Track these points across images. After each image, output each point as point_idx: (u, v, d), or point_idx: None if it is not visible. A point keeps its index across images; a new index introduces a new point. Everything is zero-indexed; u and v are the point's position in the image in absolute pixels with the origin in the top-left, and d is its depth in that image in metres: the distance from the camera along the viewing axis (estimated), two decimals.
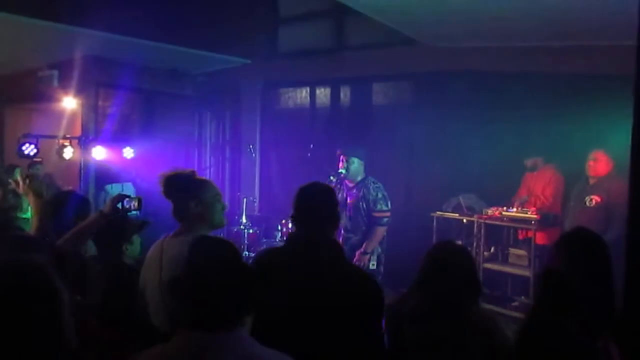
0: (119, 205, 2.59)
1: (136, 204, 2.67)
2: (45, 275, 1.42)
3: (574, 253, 2.10)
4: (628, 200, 1.68)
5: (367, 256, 4.56)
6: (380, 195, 4.62)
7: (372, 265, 4.60)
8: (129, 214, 2.73)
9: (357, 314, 2.07)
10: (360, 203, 4.62)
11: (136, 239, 2.88)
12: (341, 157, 4.67)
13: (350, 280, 2.15)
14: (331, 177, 4.60)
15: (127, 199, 2.64)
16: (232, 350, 1.41)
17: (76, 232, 2.59)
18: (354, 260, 4.47)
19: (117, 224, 2.74)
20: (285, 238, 5.60)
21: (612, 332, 1.95)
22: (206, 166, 7.55)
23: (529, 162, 5.35)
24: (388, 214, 4.63)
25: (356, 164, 4.65)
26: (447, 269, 2.15)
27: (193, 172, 2.50)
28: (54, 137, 5.51)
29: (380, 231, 4.59)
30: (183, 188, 2.43)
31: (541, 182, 5.31)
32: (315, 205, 2.27)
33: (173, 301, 1.53)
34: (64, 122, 6.43)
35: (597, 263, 2.11)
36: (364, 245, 4.55)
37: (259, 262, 2.32)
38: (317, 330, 2.04)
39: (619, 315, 1.90)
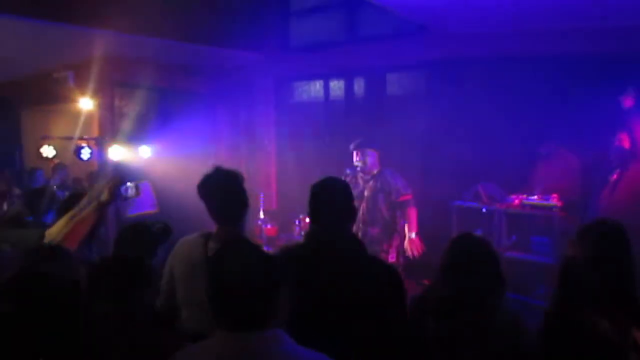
0: (118, 192, 2.55)
1: (134, 190, 2.63)
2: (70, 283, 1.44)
3: (595, 244, 2.04)
4: None
5: (416, 237, 4.56)
6: (400, 184, 4.63)
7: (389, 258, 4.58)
8: (126, 200, 2.67)
9: (382, 306, 2.06)
10: (379, 195, 4.60)
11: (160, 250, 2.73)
12: (355, 151, 4.65)
13: (372, 273, 2.13)
14: (347, 171, 4.59)
15: (124, 185, 2.59)
16: (272, 348, 1.45)
17: (75, 227, 2.55)
18: (406, 247, 4.52)
19: (139, 237, 2.62)
20: (303, 233, 5.62)
21: (638, 320, 1.89)
22: (222, 162, 7.55)
23: (543, 149, 5.27)
24: (410, 197, 4.64)
25: (371, 157, 4.62)
26: (471, 264, 2.10)
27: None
28: (71, 138, 5.56)
29: (414, 211, 4.62)
30: (243, 190, 2.37)
31: (558, 168, 5.22)
32: (331, 200, 2.23)
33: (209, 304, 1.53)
34: (81, 123, 6.49)
35: (619, 254, 2.04)
36: (410, 231, 4.56)
37: (280, 260, 2.25)
38: (342, 325, 2.03)
39: None
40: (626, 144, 4.66)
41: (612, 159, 4.77)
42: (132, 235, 2.68)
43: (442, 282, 2.16)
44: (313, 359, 1.52)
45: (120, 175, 2.63)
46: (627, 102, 4.44)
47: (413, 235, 4.57)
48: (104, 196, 2.57)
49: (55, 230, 2.72)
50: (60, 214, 2.84)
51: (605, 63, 4.88)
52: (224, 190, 2.34)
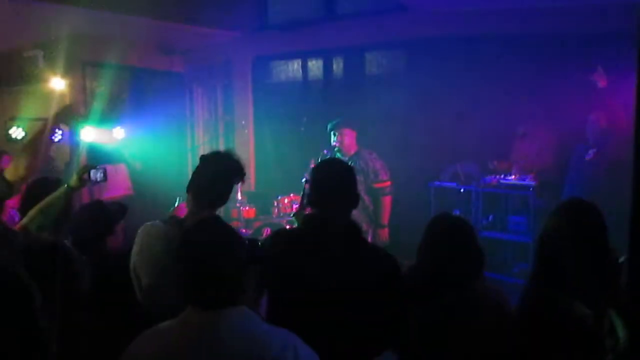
0: (87, 177, 2.55)
1: (102, 174, 2.64)
2: (14, 275, 1.41)
3: (568, 223, 2.04)
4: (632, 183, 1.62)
5: (385, 229, 4.55)
6: (378, 166, 4.59)
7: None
8: (95, 184, 2.70)
9: (378, 295, 2.00)
10: (358, 176, 4.55)
11: (117, 228, 2.80)
12: (333, 131, 4.61)
13: (370, 261, 2.06)
14: (325, 152, 4.55)
15: (93, 170, 2.60)
16: (236, 324, 1.50)
17: (42, 209, 2.52)
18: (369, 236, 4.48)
19: (96, 215, 2.70)
20: (282, 214, 5.59)
21: (614, 303, 1.90)
22: (199, 143, 7.45)
23: (520, 129, 5.30)
24: (389, 183, 4.62)
25: (348, 137, 4.59)
26: (450, 243, 2.08)
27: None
28: (42, 119, 5.40)
29: (388, 200, 4.59)
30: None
31: (534, 148, 5.27)
32: (335, 185, 2.12)
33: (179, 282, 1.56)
34: (53, 104, 6.30)
35: (592, 233, 2.04)
36: (380, 219, 4.55)
37: (274, 244, 2.19)
38: (335, 312, 1.97)
39: (623, 286, 1.86)
40: (602, 123, 4.70)
41: (588, 138, 4.82)
42: (88, 215, 2.72)
43: (422, 264, 2.14)
44: (277, 334, 1.54)
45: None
46: (602, 81, 4.46)
47: (384, 225, 4.56)
48: (73, 181, 2.53)
49: (26, 221, 2.65)
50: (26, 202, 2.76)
51: (580, 42, 4.89)
52: (216, 172, 2.28)
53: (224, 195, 2.32)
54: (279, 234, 2.29)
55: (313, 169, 2.23)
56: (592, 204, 2.12)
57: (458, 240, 2.08)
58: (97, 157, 6.04)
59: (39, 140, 2.81)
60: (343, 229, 2.07)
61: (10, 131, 4.94)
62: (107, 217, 2.78)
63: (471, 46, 5.37)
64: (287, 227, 4.77)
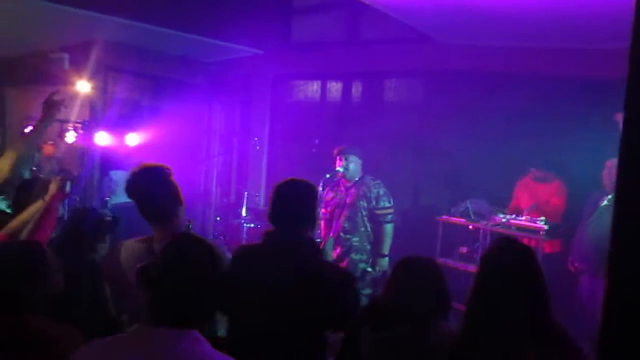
0: (64, 190, 2.58)
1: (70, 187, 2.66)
2: None
3: (501, 265, 1.95)
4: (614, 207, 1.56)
5: (386, 259, 4.48)
6: (382, 193, 4.54)
7: (369, 268, 4.50)
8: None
9: (329, 311, 2.09)
10: (361, 202, 4.51)
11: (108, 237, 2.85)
12: (338, 156, 4.57)
13: (323, 278, 2.12)
14: (327, 176, 4.52)
15: (70, 182, 2.62)
16: (179, 348, 1.45)
17: (23, 221, 2.55)
18: (371, 264, 4.49)
19: (91, 224, 2.73)
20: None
21: (538, 345, 1.81)
22: (214, 155, 7.48)
23: (538, 173, 5.15)
24: (391, 210, 4.56)
25: (354, 164, 4.54)
26: (412, 282, 2.09)
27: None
28: (58, 120, 5.47)
29: (389, 229, 4.52)
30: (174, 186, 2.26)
31: (547, 191, 5.13)
32: (294, 203, 2.20)
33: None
34: (76, 107, 6.41)
35: (523, 273, 1.94)
36: (381, 248, 4.50)
37: (236, 260, 2.27)
38: (291, 330, 2.07)
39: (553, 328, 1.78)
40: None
41: (604, 184, 4.67)
42: (76, 223, 2.77)
43: (384, 296, 2.17)
44: None
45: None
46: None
47: (384, 255, 4.49)
48: (48, 196, 2.56)
49: (16, 224, 2.66)
50: (18, 202, 2.78)
51: (600, 85, 4.77)
52: (152, 188, 2.23)
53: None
54: (240, 250, 2.38)
55: (274, 186, 2.26)
56: (523, 245, 2.06)
57: (419, 280, 2.09)
58: (109, 163, 6.12)
59: (32, 137, 2.83)
60: (300, 246, 2.14)
61: (27, 130, 5.01)
62: (100, 226, 2.82)
63: (491, 82, 5.29)
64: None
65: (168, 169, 2.26)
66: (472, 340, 1.86)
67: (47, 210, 2.53)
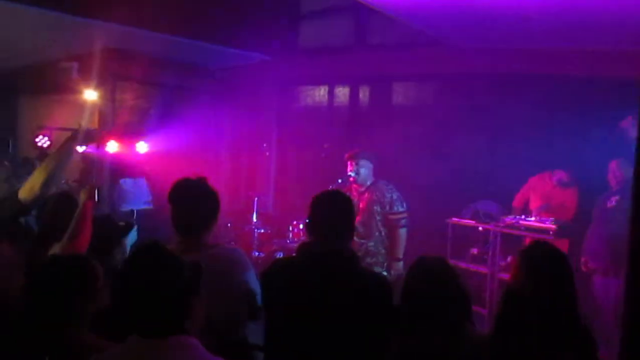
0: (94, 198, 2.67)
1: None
2: None
3: (535, 268, 1.95)
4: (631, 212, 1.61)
5: (400, 262, 4.49)
6: (395, 197, 4.54)
7: (384, 272, 4.50)
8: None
9: (369, 322, 2.07)
10: (375, 207, 4.52)
11: (124, 242, 2.87)
12: (350, 161, 4.58)
13: (361, 289, 2.11)
14: (339, 181, 4.52)
15: (98, 190, 2.70)
16: (177, 355, 1.51)
17: (78, 229, 2.59)
18: (388, 268, 4.47)
19: (104, 230, 2.75)
20: (295, 239, 5.54)
21: (576, 348, 1.81)
22: (222, 162, 7.49)
23: (564, 178, 5.15)
24: (405, 214, 4.56)
25: (366, 168, 4.54)
26: (431, 287, 2.02)
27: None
28: (69, 129, 5.50)
29: (402, 233, 4.52)
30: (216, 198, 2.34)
31: (563, 195, 5.13)
32: (333, 214, 2.20)
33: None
34: (85, 115, 6.43)
35: (557, 277, 1.95)
36: (395, 251, 4.50)
37: (268, 275, 2.26)
38: (327, 340, 2.05)
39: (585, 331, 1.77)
40: (624, 169, 4.57)
41: (610, 185, 4.70)
42: (96, 228, 2.75)
43: (405, 304, 2.08)
44: None
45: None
46: (631, 130, 4.33)
47: (399, 258, 4.49)
48: (83, 198, 2.61)
49: (29, 186, 2.73)
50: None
51: (611, 86, 4.78)
52: (195, 202, 2.27)
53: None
54: (273, 265, 2.32)
55: (313, 199, 2.24)
56: (556, 248, 2.05)
57: (440, 282, 2.02)
58: (119, 169, 6.14)
59: (64, 154, 2.88)
60: (335, 259, 2.12)
61: (37, 139, 5.05)
62: (114, 231, 2.85)
63: (499, 84, 5.31)
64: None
65: (215, 190, 2.33)
66: (505, 344, 1.86)
67: (83, 217, 2.57)
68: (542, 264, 1.95)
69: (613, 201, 4.60)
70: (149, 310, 1.53)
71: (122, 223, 2.96)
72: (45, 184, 2.72)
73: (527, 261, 2.00)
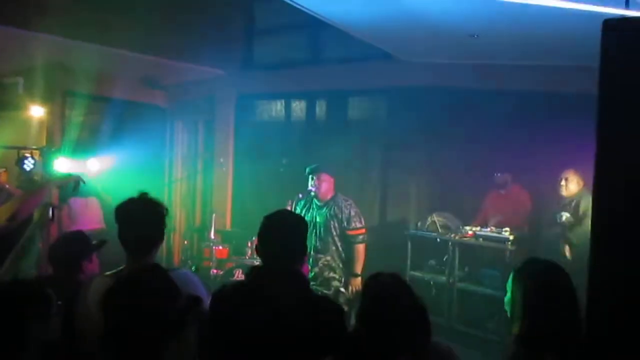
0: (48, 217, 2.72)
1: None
2: None
3: (536, 292, 1.97)
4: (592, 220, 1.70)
5: (358, 278, 4.46)
6: (353, 213, 4.52)
7: (342, 288, 4.48)
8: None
9: (327, 351, 2.00)
10: (332, 222, 4.51)
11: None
12: (311, 175, 4.56)
13: (312, 316, 2.02)
14: (299, 196, 4.50)
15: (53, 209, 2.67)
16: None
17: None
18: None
19: (76, 244, 2.73)
20: (254, 256, 5.44)
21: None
22: (177, 179, 7.35)
23: (499, 178, 5.33)
24: (363, 230, 4.55)
25: (326, 182, 4.54)
26: (386, 309, 1.94)
27: None
28: (14, 147, 5.27)
29: (361, 249, 4.50)
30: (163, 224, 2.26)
31: (511, 202, 5.31)
32: (284, 236, 2.12)
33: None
34: (31, 132, 6.19)
35: (558, 293, 1.98)
36: (353, 268, 4.47)
37: (215, 299, 2.16)
38: None
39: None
40: (573, 183, 4.79)
41: (560, 194, 4.89)
42: (65, 243, 2.79)
43: (362, 331, 1.98)
44: None
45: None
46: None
47: (357, 274, 4.47)
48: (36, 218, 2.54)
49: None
50: None
51: (561, 101, 4.97)
52: (144, 220, 2.19)
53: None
54: (221, 290, 2.22)
55: (263, 219, 2.17)
56: (554, 263, 2.08)
57: (390, 305, 1.95)
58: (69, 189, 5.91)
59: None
60: (284, 284, 2.05)
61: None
62: (86, 244, 2.84)
63: (452, 98, 5.42)
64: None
65: (165, 206, 2.26)
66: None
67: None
68: (550, 280, 1.98)
69: (563, 217, 4.80)
70: (138, 342, 1.52)
71: (94, 242, 2.90)
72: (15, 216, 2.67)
73: (533, 280, 2.00)
